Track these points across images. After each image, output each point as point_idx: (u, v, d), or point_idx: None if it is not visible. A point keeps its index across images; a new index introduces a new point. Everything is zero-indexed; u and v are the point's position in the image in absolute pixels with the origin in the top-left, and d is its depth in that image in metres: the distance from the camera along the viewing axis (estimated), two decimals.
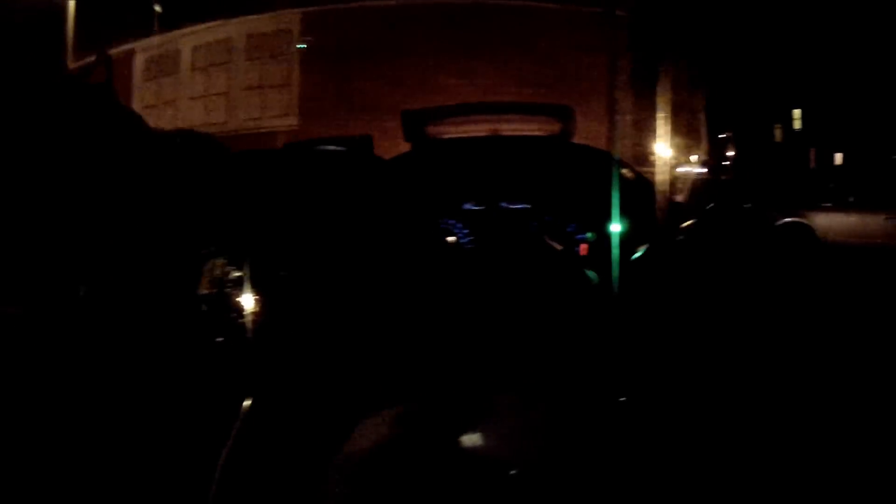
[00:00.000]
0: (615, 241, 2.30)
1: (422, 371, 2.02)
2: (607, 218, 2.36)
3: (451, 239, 2.43)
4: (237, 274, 2.25)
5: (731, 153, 7.62)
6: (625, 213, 2.33)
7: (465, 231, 2.45)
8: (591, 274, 2.26)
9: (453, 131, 2.44)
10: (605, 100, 5.94)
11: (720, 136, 7.60)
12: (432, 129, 2.39)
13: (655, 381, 2.05)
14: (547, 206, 2.46)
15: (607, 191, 2.33)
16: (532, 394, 1.96)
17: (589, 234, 2.38)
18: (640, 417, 1.98)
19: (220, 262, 1.84)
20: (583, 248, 2.47)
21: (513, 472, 1.76)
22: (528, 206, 2.47)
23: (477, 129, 2.48)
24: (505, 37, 5.99)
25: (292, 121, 6.46)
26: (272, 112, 6.48)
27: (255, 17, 6.46)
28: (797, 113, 9.10)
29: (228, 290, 2.31)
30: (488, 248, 2.44)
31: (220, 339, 2.21)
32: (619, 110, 5.73)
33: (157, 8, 6.57)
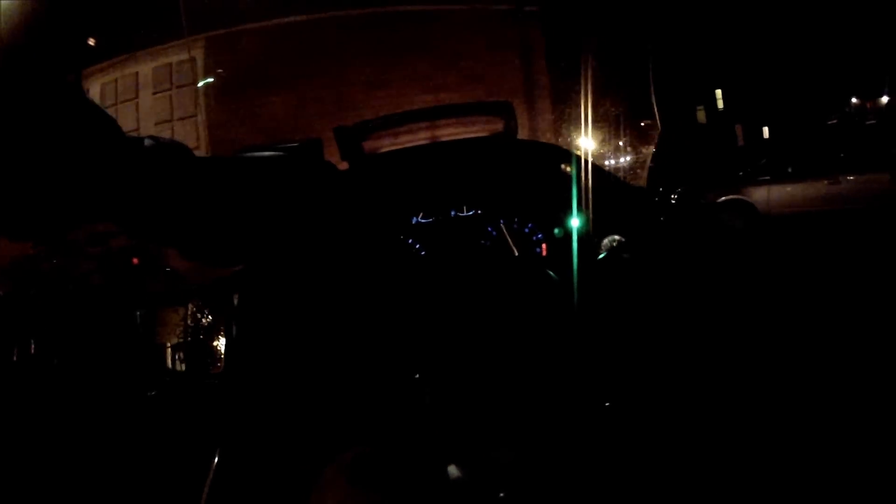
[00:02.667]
0: (575, 238, 2.18)
1: (384, 403, 1.92)
2: (566, 214, 2.24)
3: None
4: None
5: (655, 140, 7.63)
6: (582, 207, 2.21)
7: (418, 246, 2.30)
8: (553, 274, 2.14)
9: (391, 143, 2.30)
10: (523, 97, 5.85)
11: (641, 124, 7.61)
12: (369, 144, 2.23)
13: (636, 380, 1.97)
14: (500, 209, 2.33)
15: (562, 186, 2.21)
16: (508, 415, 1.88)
17: (556, 231, 2.26)
18: (627, 420, 1.90)
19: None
20: (543, 249, 2.35)
21: (501, 494, 1.68)
22: (481, 212, 2.33)
23: (416, 137, 2.33)
24: (413, 43, 5.87)
25: (201, 152, 6.27)
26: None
27: (158, 47, 6.24)
28: (718, 93, 9.21)
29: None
30: (444, 260, 2.30)
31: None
32: (538, 106, 5.66)
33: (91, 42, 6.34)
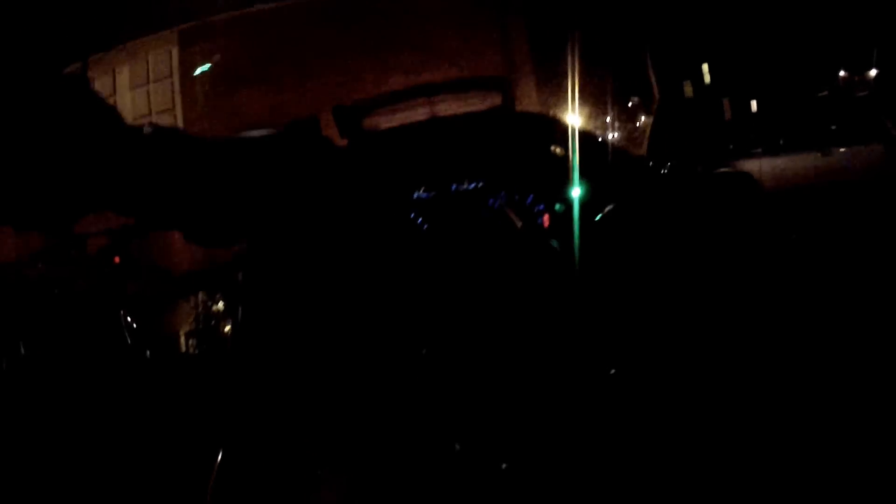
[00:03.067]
0: (576, 208, 2.20)
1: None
2: (566, 185, 2.26)
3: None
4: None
5: (641, 117, 7.62)
6: (584, 177, 2.23)
7: (420, 220, 2.32)
8: (555, 243, 2.16)
9: (390, 120, 2.31)
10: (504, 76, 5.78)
11: (629, 103, 7.59)
12: (368, 122, 2.25)
13: (639, 349, 1.99)
14: (500, 182, 2.35)
15: (562, 157, 2.23)
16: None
17: (557, 206, 2.28)
18: (632, 390, 1.91)
19: None
20: (545, 220, 2.36)
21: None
22: (481, 185, 2.35)
23: (414, 114, 2.35)
24: (388, 28, 5.79)
25: None
26: None
27: (133, 42, 6.18)
28: (705, 67, 9.19)
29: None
30: (447, 234, 2.32)
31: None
32: (521, 85, 5.61)
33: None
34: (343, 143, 2.28)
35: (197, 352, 2.70)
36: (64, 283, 2.78)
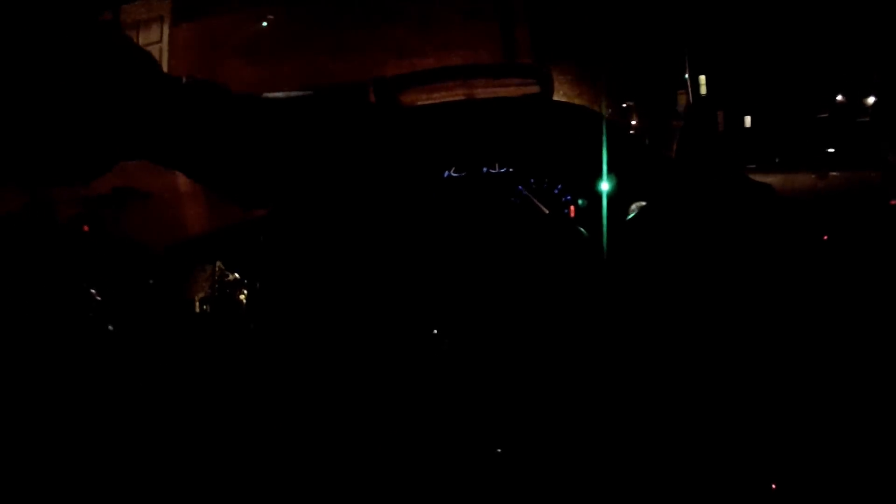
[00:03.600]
0: (605, 201, 2.22)
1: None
2: (596, 177, 2.27)
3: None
4: None
5: (633, 122, 7.59)
6: (613, 172, 2.25)
7: (449, 199, 2.33)
8: (583, 231, 2.18)
9: (427, 98, 2.31)
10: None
11: (622, 105, 7.57)
12: (406, 97, 2.25)
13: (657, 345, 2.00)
14: (531, 169, 2.36)
15: (594, 149, 2.25)
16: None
17: (586, 193, 2.30)
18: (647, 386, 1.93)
19: None
20: (571, 210, 2.38)
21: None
22: (512, 170, 2.36)
23: (452, 94, 2.35)
24: (384, 10, 5.66)
25: None
26: None
27: (128, 6, 6.10)
28: (703, 79, 9.16)
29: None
30: (473, 215, 2.32)
31: None
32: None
33: None
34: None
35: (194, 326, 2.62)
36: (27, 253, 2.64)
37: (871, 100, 11.89)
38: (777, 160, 7.77)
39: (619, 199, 2.26)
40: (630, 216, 2.23)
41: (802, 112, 9.53)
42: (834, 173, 7.44)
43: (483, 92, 2.38)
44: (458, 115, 2.35)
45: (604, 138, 2.26)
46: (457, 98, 2.37)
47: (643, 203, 2.26)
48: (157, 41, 5.97)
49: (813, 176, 7.45)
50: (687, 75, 2.99)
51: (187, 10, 5.86)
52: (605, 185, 2.25)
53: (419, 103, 2.33)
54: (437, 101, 2.33)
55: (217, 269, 2.67)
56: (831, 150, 7.62)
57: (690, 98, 2.81)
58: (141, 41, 6.03)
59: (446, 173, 2.33)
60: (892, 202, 7.04)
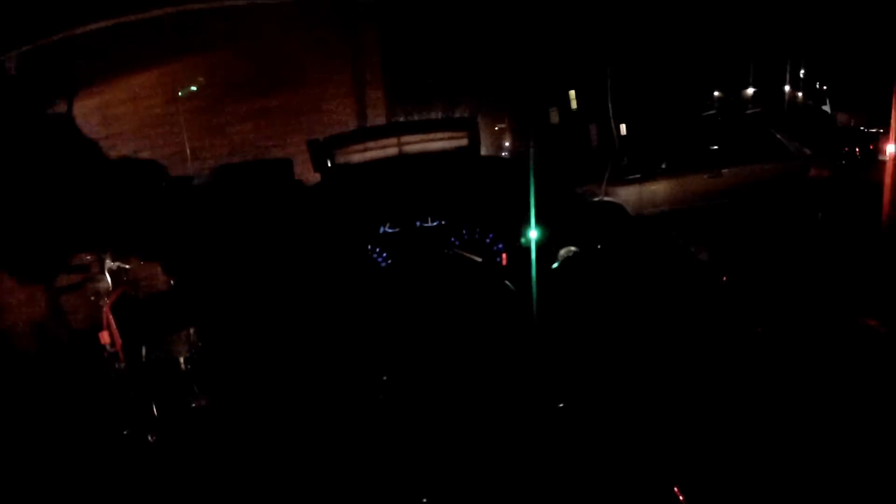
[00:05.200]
0: (533, 249, 2.33)
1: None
2: (524, 225, 2.38)
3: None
4: None
5: (506, 143, 7.55)
6: (541, 219, 2.36)
7: (384, 254, 2.41)
8: (510, 285, 2.29)
9: (361, 156, 2.38)
10: (353, 96, 5.50)
11: (496, 127, 7.54)
12: (340, 156, 2.31)
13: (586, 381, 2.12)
14: (463, 220, 2.46)
15: (521, 198, 2.34)
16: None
17: (515, 241, 2.40)
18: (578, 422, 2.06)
19: None
20: (503, 258, 2.49)
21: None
22: (445, 223, 2.45)
23: (384, 151, 2.42)
24: (232, 40, 5.43)
25: None
26: None
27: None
28: (572, 94, 9.16)
29: None
30: (408, 268, 2.41)
31: None
32: (370, 105, 5.39)
33: None
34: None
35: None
36: None
37: (749, 91, 12.42)
38: (664, 166, 7.49)
39: (546, 244, 2.38)
40: (559, 262, 2.36)
41: (685, 113, 9.69)
42: (727, 170, 7.47)
43: (414, 146, 2.45)
44: (390, 170, 2.43)
45: (531, 188, 2.36)
46: (389, 153, 2.44)
47: (570, 249, 2.39)
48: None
49: (705, 176, 7.45)
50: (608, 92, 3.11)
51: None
52: (532, 234, 2.36)
53: (354, 161, 2.39)
54: (370, 158, 2.40)
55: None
56: (717, 147, 7.59)
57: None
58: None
59: (382, 228, 2.40)
60: (811, 174, 7.26)
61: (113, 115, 4.42)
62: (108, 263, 2.40)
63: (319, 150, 2.29)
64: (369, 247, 2.36)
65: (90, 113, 4.08)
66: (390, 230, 2.41)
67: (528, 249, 2.35)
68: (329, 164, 2.31)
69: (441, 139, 2.48)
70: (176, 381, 2.12)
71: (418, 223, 2.44)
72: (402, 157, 2.45)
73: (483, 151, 2.65)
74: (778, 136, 7.64)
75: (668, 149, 7.60)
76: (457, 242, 2.46)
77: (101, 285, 2.51)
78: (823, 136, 8.11)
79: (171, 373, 2.13)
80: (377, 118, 4.87)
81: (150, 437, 1.97)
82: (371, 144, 2.39)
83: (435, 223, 2.45)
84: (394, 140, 2.44)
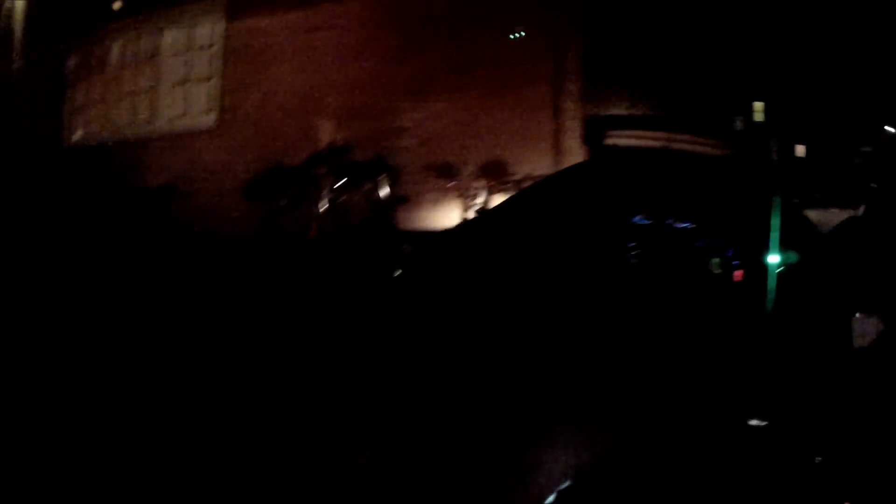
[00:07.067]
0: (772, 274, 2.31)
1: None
2: (765, 248, 2.36)
3: None
4: None
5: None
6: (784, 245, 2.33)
7: (631, 245, 2.41)
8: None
9: (628, 141, 2.39)
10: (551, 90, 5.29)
11: None
12: (612, 137, 2.33)
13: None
14: (711, 228, 2.45)
15: (768, 219, 2.32)
16: None
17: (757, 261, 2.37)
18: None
19: None
20: (737, 275, 2.47)
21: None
22: (694, 226, 2.44)
23: (650, 141, 2.43)
24: (437, 26, 5.36)
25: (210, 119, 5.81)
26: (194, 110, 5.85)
27: (179, 7, 5.88)
28: (760, 105, 8.85)
29: None
30: (650, 266, 2.42)
31: None
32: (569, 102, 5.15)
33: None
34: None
35: None
36: None
37: None
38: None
39: (788, 275, 2.35)
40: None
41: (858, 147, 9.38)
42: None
43: (678, 144, 2.45)
44: (655, 162, 2.43)
45: (778, 209, 2.32)
46: (654, 145, 2.44)
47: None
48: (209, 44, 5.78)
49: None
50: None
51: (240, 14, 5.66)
52: (772, 258, 2.34)
53: (621, 144, 2.40)
54: (639, 145, 2.41)
55: None
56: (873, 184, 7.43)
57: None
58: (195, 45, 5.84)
59: (634, 219, 2.41)
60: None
61: None
62: None
63: (596, 128, 2.30)
64: (619, 236, 2.37)
65: None
66: (642, 222, 2.41)
67: (767, 271, 2.33)
68: (600, 143, 2.33)
69: (709, 145, 2.47)
70: None
71: (668, 221, 2.44)
72: (670, 151, 2.45)
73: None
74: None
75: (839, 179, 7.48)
76: (702, 249, 2.44)
77: None
78: None
79: None
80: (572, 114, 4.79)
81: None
82: (647, 134, 2.39)
83: (684, 225, 2.44)
84: (663, 134, 2.44)
